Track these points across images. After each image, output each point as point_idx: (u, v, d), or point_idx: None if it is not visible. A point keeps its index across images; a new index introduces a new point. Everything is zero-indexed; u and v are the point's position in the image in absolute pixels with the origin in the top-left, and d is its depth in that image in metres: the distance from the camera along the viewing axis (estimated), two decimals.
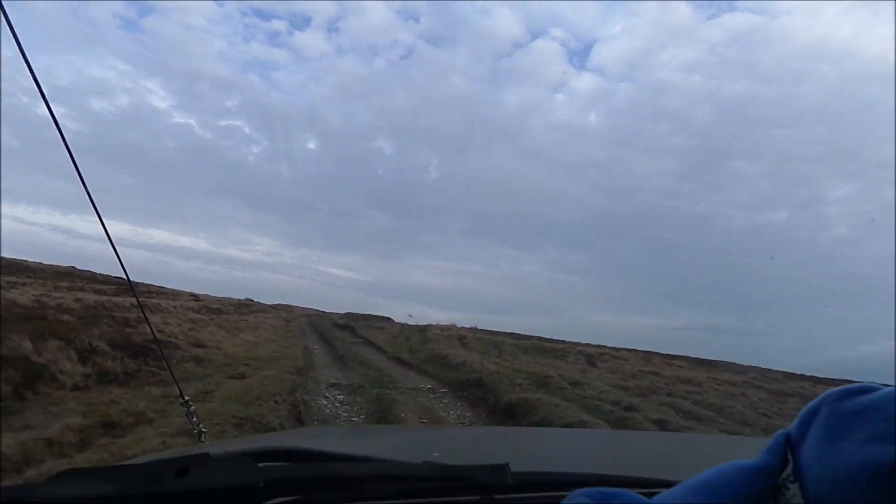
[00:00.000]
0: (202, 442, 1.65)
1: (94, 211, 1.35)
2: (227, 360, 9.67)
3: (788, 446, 0.48)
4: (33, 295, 15.42)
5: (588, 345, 27.28)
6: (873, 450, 0.40)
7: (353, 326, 27.73)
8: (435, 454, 1.28)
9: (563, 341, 24.98)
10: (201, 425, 1.70)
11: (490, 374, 11.45)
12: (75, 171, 1.29)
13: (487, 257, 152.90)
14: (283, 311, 39.77)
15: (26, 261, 33.64)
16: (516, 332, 37.94)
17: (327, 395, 8.88)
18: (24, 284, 21.06)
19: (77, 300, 15.69)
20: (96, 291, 23.02)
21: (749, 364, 24.04)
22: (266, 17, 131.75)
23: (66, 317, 11.09)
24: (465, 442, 1.73)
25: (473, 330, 31.19)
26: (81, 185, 1.30)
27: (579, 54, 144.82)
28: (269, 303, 51.70)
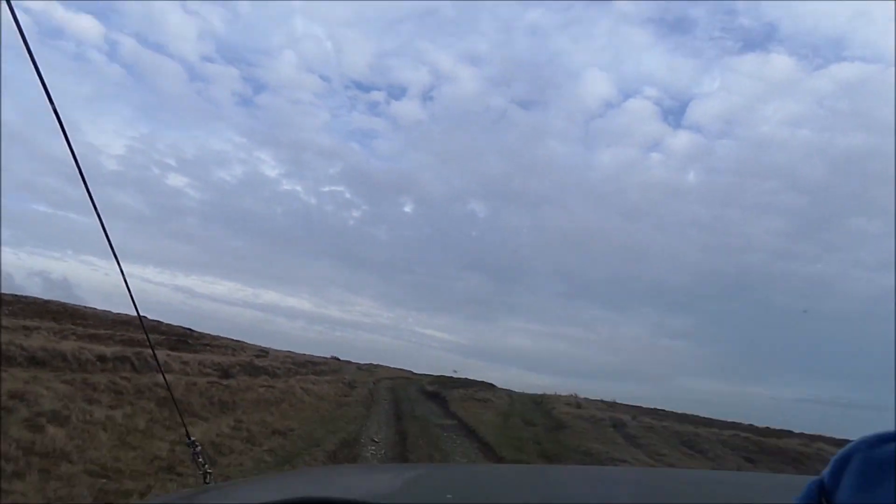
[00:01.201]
0: (208, 483, 1.60)
1: (111, 252, 1.46)
2: None
3: (823, 494, 0.47)
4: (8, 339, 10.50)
5: (820, 439, 17.24)
6: None
7: (445, 396, 20.11)
8: (448, 496, 1.15)
9: (784, 432, 15.29)
10: (206, 465, 1.67)
11: None
12: (94, 211, 1.36)
13: (585, 320, 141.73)
14: (366, 373, 33.41)
15: (94, 308, 30.99)
16: (661, 407, 27.97)
17: None
18: (38, 329, 16.77)
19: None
20: (119, 341, 18.23)
21: None
22: (366, 88, 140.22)
23: None
24: (479, 482, 1.53)
25: (614, 406, 22.09)
26: (100, 225, 1.39)
27: (675, 112, 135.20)
28: (362, 362, 46.59)
